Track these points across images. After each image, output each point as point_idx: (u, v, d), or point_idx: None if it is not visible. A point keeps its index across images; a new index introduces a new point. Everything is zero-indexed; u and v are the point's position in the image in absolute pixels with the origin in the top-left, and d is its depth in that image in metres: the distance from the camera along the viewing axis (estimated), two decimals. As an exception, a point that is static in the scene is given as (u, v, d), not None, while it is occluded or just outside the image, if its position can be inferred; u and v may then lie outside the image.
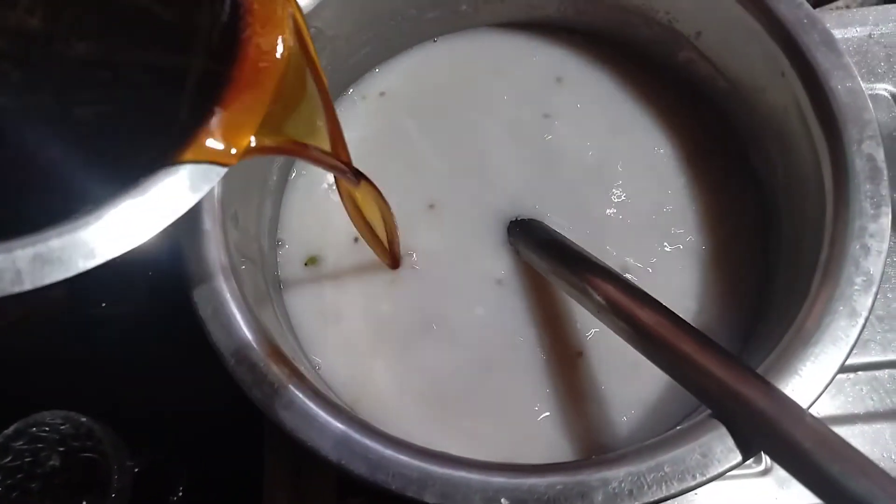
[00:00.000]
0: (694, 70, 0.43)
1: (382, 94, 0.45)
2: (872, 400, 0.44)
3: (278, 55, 0.24)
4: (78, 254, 0.20)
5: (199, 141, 0.21)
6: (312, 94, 0.27)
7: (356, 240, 0.41)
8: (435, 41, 0.46)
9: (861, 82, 0.33)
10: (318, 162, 0.28)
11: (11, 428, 0.39)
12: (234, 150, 0.22)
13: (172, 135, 0.22)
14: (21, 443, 0.39)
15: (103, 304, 0.53)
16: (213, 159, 0.22)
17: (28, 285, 0.20)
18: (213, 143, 0.22)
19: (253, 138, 0.23)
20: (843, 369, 0.43)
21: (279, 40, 0.24)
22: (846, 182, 0.32)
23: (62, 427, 0.39)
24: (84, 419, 0.39)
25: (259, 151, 0.24)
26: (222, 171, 0.22)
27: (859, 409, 0.44)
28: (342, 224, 0.40)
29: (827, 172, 0.33)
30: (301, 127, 0.26)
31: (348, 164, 0.29)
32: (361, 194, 0.33)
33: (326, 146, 0.28)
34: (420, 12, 0.43)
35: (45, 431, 0.39)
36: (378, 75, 0.46)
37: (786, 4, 0.35)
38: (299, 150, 0.26)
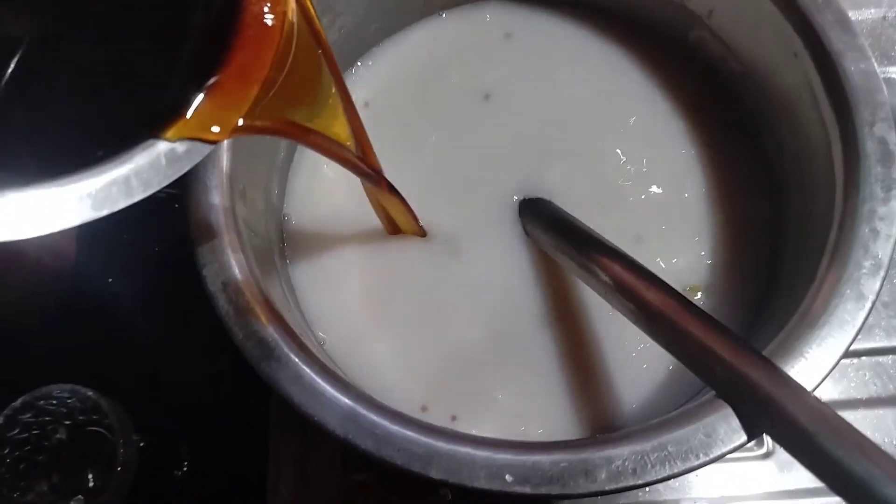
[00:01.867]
0: (705, 49, 0.42)
1: (389, 69, 0.45)
2: (875, 385, 0.45)
3: (275, 24, 0.24)
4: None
5: (184, 117, 0.21)
6: (323, 77, 0.26)
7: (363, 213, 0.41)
8: (441, 15, 0.46)
9: (875, 64, 0.33)
10: (326, 152, 0.28)
11: (19, 401, 0.39)
12: (217, 129, 0.22)
13: (162, 105, 0.22)
14: (28, 415, 0.39)
15: (110, 280, 0.54)
16: (198, 136, 0.22)
17: None
18: (200, 120, 0.22)
19: (241, 119, 0.23)
20: (847, 354, 0.43)
21: (279, 12, 0.24)
22: (857, 164, 0.31)
23: (69, 401, 0.39)
24: (91, 393, 0.39)
25: (248, 131, 0.23)
26: (207, 148, 0.22)
27: (862, 394, 0.44)
28: (349, 199, 0.40)
29: (837, 154, 0.32)
30: (306, 110, 0.26)
31: (373, 166, 0.30)
32: (383, 198, 0.33)
33: (345, 135, 0.28)
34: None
35: (52, 405, 0.39)
36: (385, 49, 0.45)
37: (800, -17, 0.35)
38: (298, 134, 0.26)
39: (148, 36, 0.24)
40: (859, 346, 0.44)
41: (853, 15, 0.52)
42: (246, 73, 0.23)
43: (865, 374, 0.45)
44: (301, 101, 0.26)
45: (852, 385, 0.44)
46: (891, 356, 0.45)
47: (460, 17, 0.46)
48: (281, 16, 0.24)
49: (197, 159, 0.23)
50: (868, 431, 0.42)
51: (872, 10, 0.53)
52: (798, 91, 0.36)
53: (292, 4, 0.24)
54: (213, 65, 0.22)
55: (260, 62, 0.23)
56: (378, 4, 0.42)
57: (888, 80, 0.51)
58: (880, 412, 0.44)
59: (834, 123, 0.33)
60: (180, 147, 0.22)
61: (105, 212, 0.21)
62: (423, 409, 0.36)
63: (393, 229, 0.40)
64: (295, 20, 0.25)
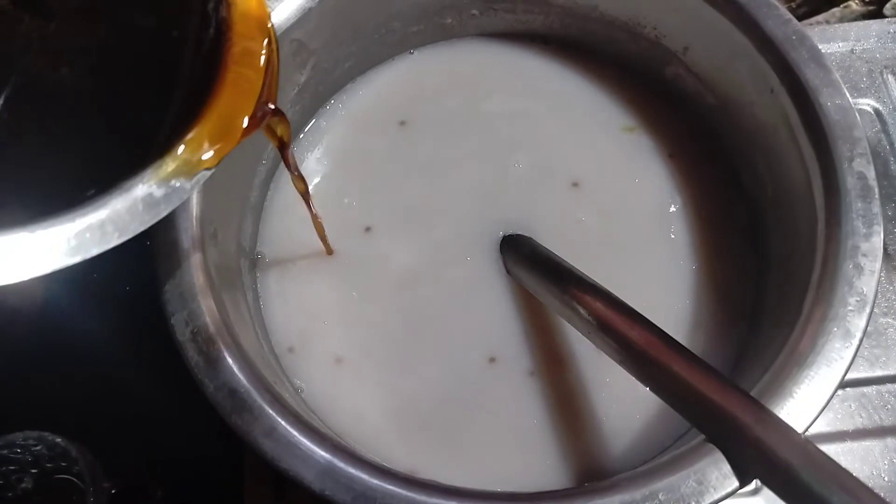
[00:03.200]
0: (682, 85, 0.43)
1: (364, 105, 0.45)
2: (861, 417, 0.44)
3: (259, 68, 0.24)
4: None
5: (174, 153, 0.21)
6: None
7: (332, 253, 0.40)
8: (412, 53, 0.46)
9: (850, 99, 0.33)
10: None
11: None
12: (210, 155, 0.22)
13: (146, 143, 0.21)
14: None
15: (78, 319, 0.52)
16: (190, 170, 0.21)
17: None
18: (190, 153, 0.21)
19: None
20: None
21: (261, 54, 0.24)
22: (838, 200, 0.31)
23: (35, 448, 0.38)
24: (59, 440, 0.38)
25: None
26: (186, 194, 0.22)
27: (848, 425, 0.44)
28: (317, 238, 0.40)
29: (818, 190, 0.33)
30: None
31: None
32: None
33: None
34: (405, 26, 0.43)
35: (16, 453, 0.37)
36: (359, 86, 0.45)
37: (773, 21, 0.35)
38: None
39: (135, 69, 0.24)
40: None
41: (822, 48, 0.53)
42: (234, 107, 0.22)
43: (851, 406, 0.45)
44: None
45: (838, 417, 0.44)
46: (875, 386, 0.44)
47: (432, 54, 0.46)
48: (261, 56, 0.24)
49: (176, 203, 0.22)
50: (856, 463, 0.42)
51: (840, 44, 0.54)
52: (775, 126, 0.36)
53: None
54: (199, 103, 0.22)
55: (246, 99, 0.23)
56: (351, 44, 0.42)
57: (858, 112, 0.52)
58: (867, 444, 0.44)
59: (813, 159, 0.33)
60: (158, 191, 0.21)
61: (78, 259, 0.21)
62: (407, 457, 0.35)
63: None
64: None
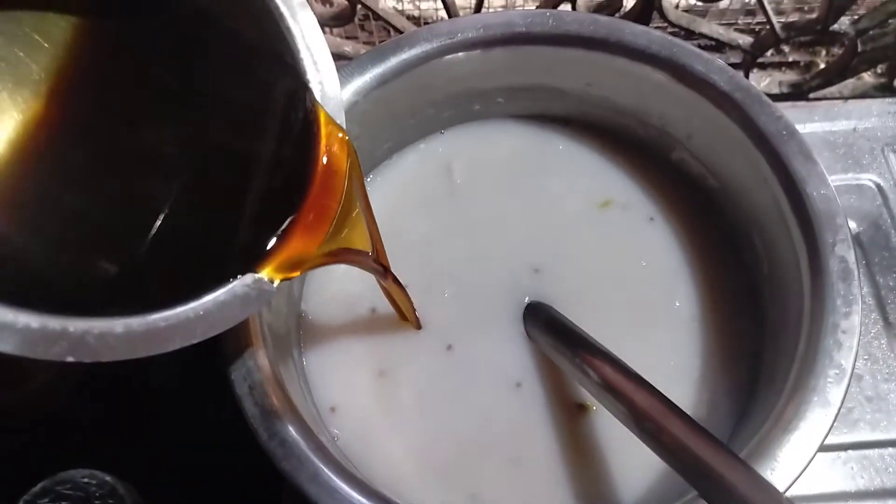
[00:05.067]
0: (686, 168, 0.47)
1: (398, 179, 0.49)
2: (863, 478, 0.46)
3: (339, 169, 0.28)
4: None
5: (274, 257, 0.26)
6: (357, 203, 0.31)
7: (374, 310, 0.44)
8: (442, 133, 0.50)
9: (834, 189, 0.37)
10: (364, 266, 0.33)
11: (39, 486, 0.39)
12: (296, 268, 0.26)
13: (239, 247, 0.26)
14: (47, 500, 0.38)
15: (129, 365, 0.56)
16: (282, 275, 0.26)
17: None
18: (285, 258, 0.26)
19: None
20: (834, 448, 0.45)
21: (343, 170, 0.28)
22: (821, 281, 0.35)
23: (87, 485, 0.39)
24: (108, 478, 0.39)
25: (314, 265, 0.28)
26: (273, 292, 0.26)
27: (850, 486, 0.46)
28: (360, 297, 0.44)
29: (805, 270, 0.36)
30: (346, 233, 0.30)
31: (387, 267, 0.34)
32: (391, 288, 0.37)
33: (367, 244, 0.32)
34: (437, 112, 0.48)
35: (69, 489, 0.39)
36: (395, 162, 0.50)
37: (766, 117, 0.39)
38: (343, 256, 0.31)
39: (226, 176, 0.29)
40: (846, 439, 0.47)
41: (828, 126, 0.57)
42: (320, 214, 0.27)
43: (853, 468, 0.47)
44: (343, 228, 0.31)
45: (841, 478, 0.46)
46: (876, 449, 0.47)
47: (461, 133, 0.51)
48: (343, 162, 0.28)
49: (267, 300, 0.26)
50: (860, 522, 0.44)
51: (844, 122, 0.58)
52: (769, 210, 0.40)
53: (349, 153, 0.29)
54: (288, 209, 0.26)
55: (330, 206, 0.27)
56: (390, 128, 0.47)
57: (860, 187, 0.56)
58: (869, 504, 0.46)
59: (801, 242, 0.37)
60: (253, 290, 0.25)
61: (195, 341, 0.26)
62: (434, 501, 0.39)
63: (402, 316, 0.43)
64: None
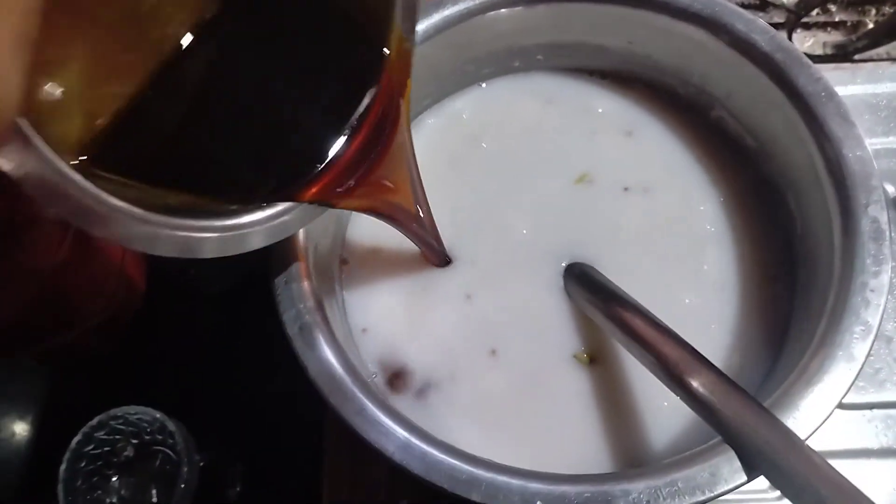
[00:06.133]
0: (725, 127, 0.47)
1: (438, 130, 0.50)
2: (886, 437, 0.47)
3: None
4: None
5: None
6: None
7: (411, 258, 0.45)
8: (481, 85, 0.51)
9: (871, 152, 0.37)
10: (409, 230, 0.37)
11: (95, 420, 0.42)
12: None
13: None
14: (102, 433, 0.42)
15: (175, 309, 0.58)
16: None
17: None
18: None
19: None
20: (861, 407, 0.46)
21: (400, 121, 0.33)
22: (853, 240, 0.36)
23: (138, 421, 0.43)
24: (158, 415, 0.43)
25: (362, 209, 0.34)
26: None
27: (874, 444, 0.47)
28: (398, 247, 0.45)
29: (837, 230, 0.37)
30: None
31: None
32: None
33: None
34: (477, 68, 0.49)
35: (122, 424, 0.42)
36: (433, 114, 0.50)
37: (805, 78, 0.39)
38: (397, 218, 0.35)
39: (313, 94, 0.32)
40: (872, 398, 0.48)
41: (871, 88, 0.57)
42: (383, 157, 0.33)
43: (877, 426, 0.48)
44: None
45: (865, 436, 0.47)
46: (902, 408, 0.47)
47: (500, 86, 0.51)
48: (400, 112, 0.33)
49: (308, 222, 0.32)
50: (880, 480, 0.46)
51: (888, 85, 0.57)
52: (804, 170, 0.40)
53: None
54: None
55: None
56: (430, 84, 0.48)
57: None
58: (891, 462, 0.47)
59: (835, 202, 0.37)
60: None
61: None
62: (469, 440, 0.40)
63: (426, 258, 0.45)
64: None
